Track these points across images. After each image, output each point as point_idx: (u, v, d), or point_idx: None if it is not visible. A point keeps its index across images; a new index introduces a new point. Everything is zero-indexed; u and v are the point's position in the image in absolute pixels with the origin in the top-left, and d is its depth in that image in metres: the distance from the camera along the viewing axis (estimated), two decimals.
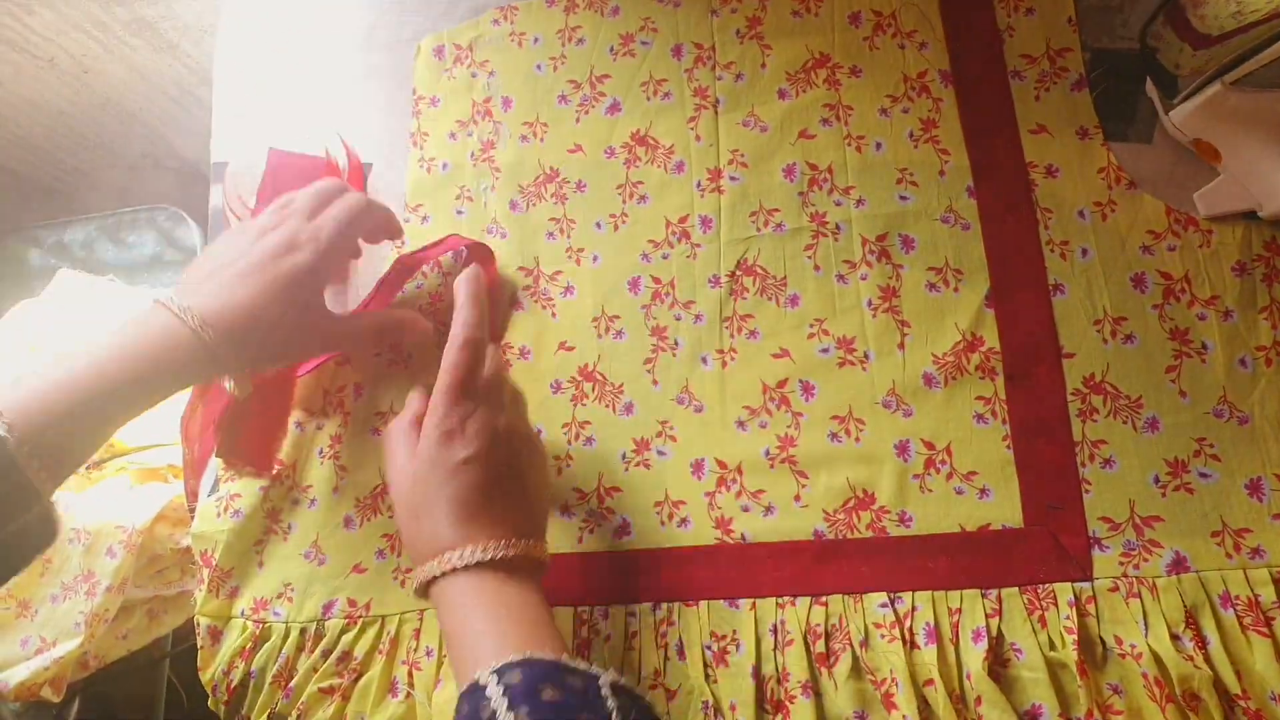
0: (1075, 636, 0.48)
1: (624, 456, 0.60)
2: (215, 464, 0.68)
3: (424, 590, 0.49)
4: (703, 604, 0.55)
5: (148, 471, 0.85)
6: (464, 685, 0.42)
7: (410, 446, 0.51)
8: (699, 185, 0.64)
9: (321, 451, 0.65)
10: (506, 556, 0.47)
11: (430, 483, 0.49)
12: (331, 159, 0.69)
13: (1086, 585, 0.50)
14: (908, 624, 0.51)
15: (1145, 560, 0.50)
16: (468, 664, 0.43)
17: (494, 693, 0.40)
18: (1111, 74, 0.59)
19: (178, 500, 0.81)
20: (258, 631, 0.62)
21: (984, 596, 0.51)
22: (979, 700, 0.48)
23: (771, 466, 0.57)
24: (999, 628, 0.50)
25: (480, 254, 0.65)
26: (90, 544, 0.78)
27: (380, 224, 0.63)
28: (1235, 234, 0.54)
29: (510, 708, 0.38)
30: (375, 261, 0.69)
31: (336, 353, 0.65)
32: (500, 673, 0.41)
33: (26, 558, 0.49)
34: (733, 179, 0.63)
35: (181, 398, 0.87)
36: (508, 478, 0.50)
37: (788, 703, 0.51)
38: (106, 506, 0.80)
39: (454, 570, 0.47)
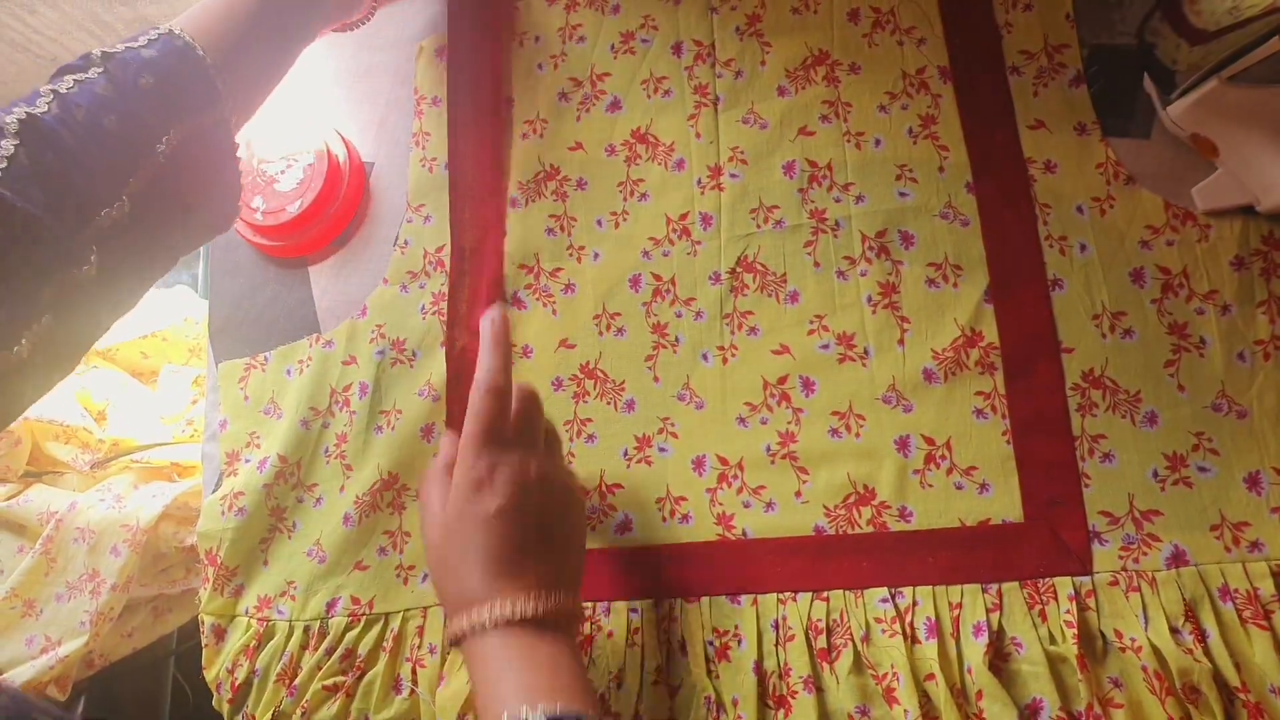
0: (1075, 630, 0.48)
1: (625, 453, 0.60)
2: (217, 461, 0.68)
3: (456, 642, 0.48)
4: (704, 600, 0.55)
5: (152, 470, 0.86)
6: None
7: (443, 494, 0.50)
8: (699, 182, 0.64)
9: (327, 450, 0.65)
10: (537, 613, 0.46)
11: (460, 534, 0.48)
12: (332, 156, 0.69)
13: (1086, 579, 0.50)
14: (909, 619, 0.51)
15: (1145, 554, 0.50)
16: (503, 708, 0.43)
17: None
18: (1109, 70, 0.59)
19: (182, 499, 0.82)
20: (262, 630, 0.62)
21: (984, 591, 0.51)
22: (980, 694, 0.48)
23: (772, 463, 0.57)
24: (999, 622, 0.50)
25: None
26: (95, 543, 0.79)
27: None
28: (1233, 229, 0.54)
29: None
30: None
31: None
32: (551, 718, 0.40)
33: (203, 196, 0.54)
34: (733, 176, 0.63)
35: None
36: (538, 529, 0.49)
37: (789, 698, 0.51)
38: (111, 505, 0.81)
39: (483, 627, 0.46)
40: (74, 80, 0.47)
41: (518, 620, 0.45)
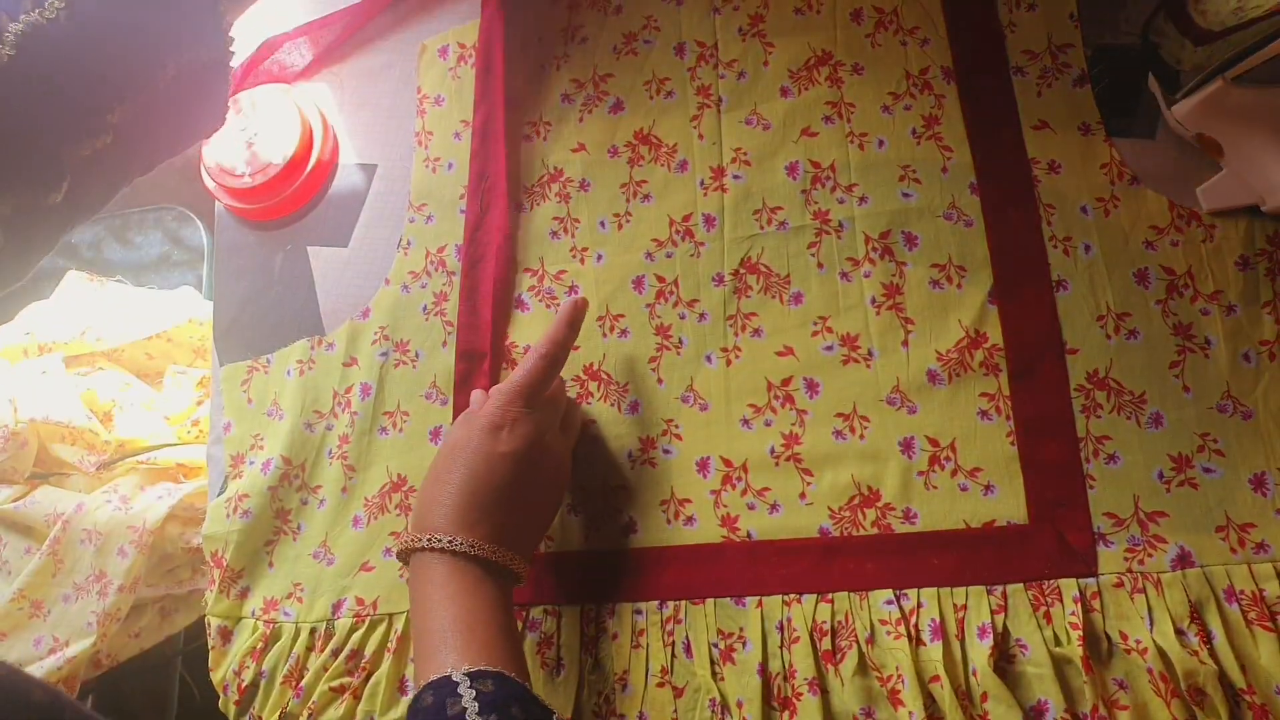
0: (1080, 632, 0.48)
1: (630, 455, 0.60)
2: (222, 464, 0.69)
3: (405, 556, 0.51)
4: (709, 602, 0.55)
5: (158, 471, 0.86)
6: (430, 674, 0.44)
7: (466, 429, 0.53)
8: (702, 184, 0.64)
9: (330, 452, 0.66)
10: (486, 558, 0.49)
11: (460, 461, 0.51)
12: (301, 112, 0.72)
13: (1091, 581, 0.50)
14: (913, 621, 0.51)
15: (1150, 556, 0.50)
16: (436, 651, 0.45)
17: (465, 693, 0.41)
18: (1113, 69, 0.59)
19: (188, 499, 0.82)
20: (268, 632, 0.63)
21: (989, 593, 0.51)
22: (984, 696, 0.48)
23: (776, 464, 0.57)
24: (1004, 624, 0.50)
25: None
26: (101, 544, 0.79)
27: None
28: (1238, 228, 0.54)
29: (480, 713, 0.40)
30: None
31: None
32: (473, 676, 0.42)
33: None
34: (736, 177, 0.63)
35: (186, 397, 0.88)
36: (523, 488, 0.52)
37: (794, 700, 0.51)
38: (117, 506, 0.81)
39: (438, 549, 0.49)
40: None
41: (471, 556, 0.48)
